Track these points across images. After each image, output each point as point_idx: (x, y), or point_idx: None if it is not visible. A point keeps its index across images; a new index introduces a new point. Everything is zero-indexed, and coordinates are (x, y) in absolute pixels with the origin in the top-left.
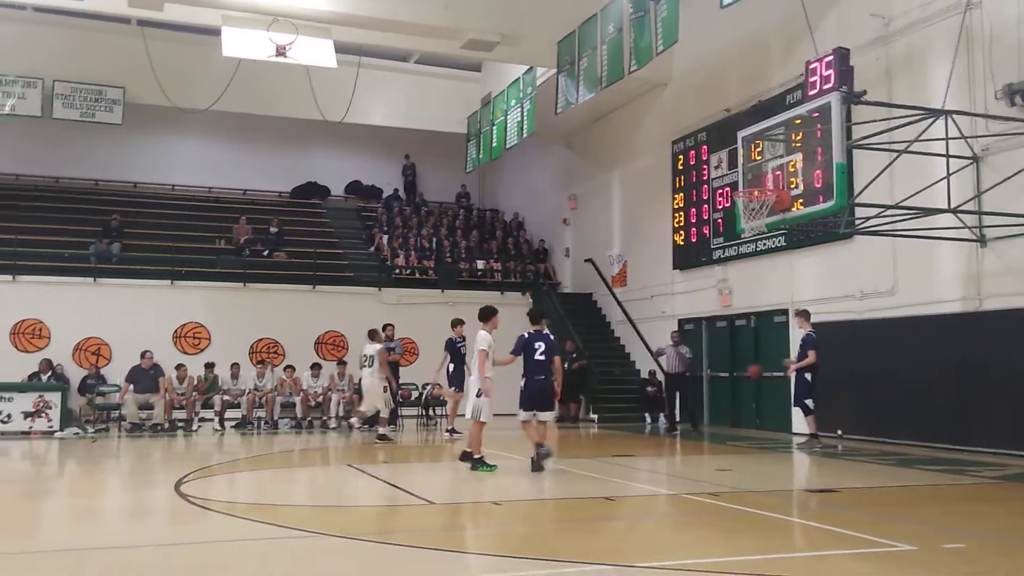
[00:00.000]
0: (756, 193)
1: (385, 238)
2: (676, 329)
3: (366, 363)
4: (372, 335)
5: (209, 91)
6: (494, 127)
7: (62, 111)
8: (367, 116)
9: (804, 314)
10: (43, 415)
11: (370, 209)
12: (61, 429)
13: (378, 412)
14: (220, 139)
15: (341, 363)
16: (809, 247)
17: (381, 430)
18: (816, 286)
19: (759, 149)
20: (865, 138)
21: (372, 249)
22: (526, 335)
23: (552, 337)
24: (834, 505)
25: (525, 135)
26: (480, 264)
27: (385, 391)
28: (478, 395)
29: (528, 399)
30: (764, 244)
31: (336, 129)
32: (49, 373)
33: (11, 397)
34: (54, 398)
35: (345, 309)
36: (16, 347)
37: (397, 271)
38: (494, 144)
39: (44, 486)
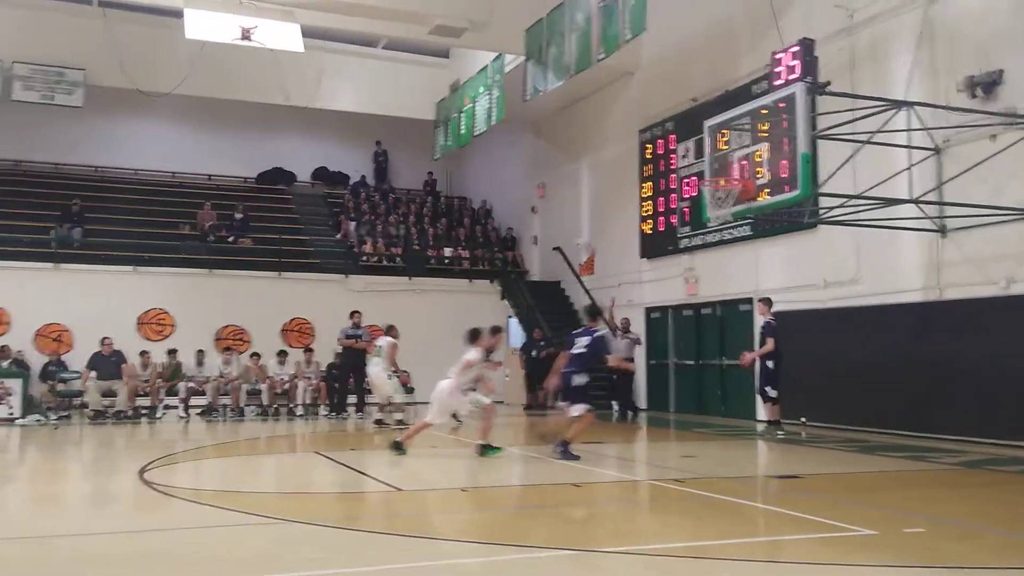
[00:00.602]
0: (722, 182)
1: (352, 225)
2: (626, 316)
3: (376, 354)
4: (388, 330)
5: (172, 74)
6: (462, 114)
7: (21, 93)
8: (334, 101)
9: (766, 302)
10: (3, 402)
11: (337, 195)
12: (22, 416)
13: (389, 400)
14: (184, 123)
15: (308, 350)
16: (774, 236)
17: (378, 415)
18: (781, 275)
19: (726, 139)
20: (829, 128)
21: (339, 236)
22: (575, 331)
23: (603, 335)
24: (797, 491)
25: (493, 122)
26: (448, 251)
27: (390, 378)
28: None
29: (561, 391)
30: (730, 233)
31: (303, 114)
32: (10, 360)
33: None
34: (15, 385)
35: (311, 296)
36: None
37: (364, 258)
38: (462, 131)
39: (5, 473)
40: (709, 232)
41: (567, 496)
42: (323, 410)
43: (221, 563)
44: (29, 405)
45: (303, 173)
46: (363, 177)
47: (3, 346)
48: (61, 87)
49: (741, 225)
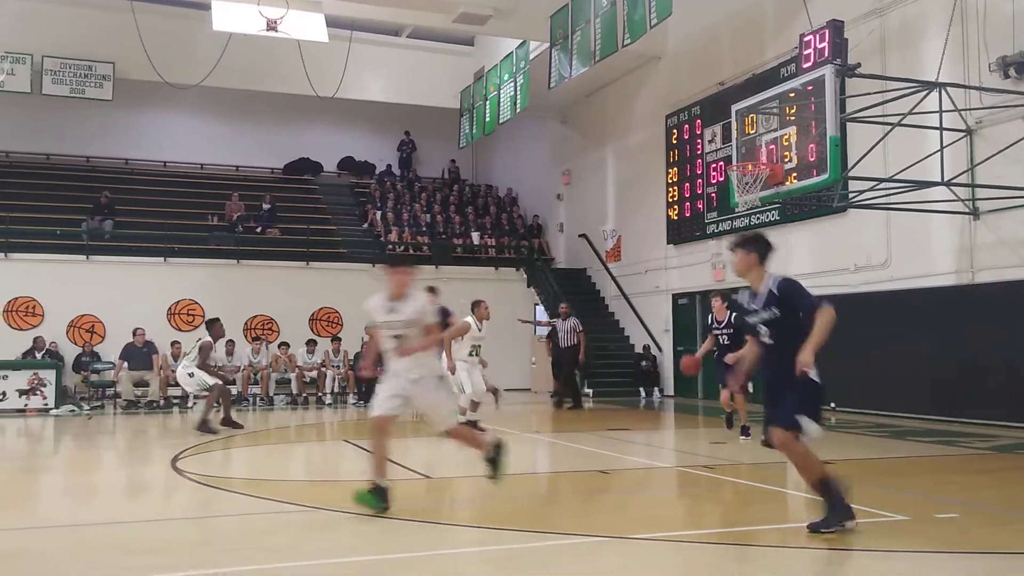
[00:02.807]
0: (750, 167)
1: (378, 214)
2: (565, 304)
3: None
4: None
5: (200, 66)
6: (487, 102)
7: (52, 87)
8: (359, 91)
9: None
10: (38, 393)
11: (363, 185)
12: (56, 406)
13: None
14: (212, 115)
15: (336, 339)
16: (803, 221)
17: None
18: (810, 259)
19: (753, 123)
20: (859, 111)
21: (365, 225)
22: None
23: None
24: None
25: (518, 110)
26: (475, 236)
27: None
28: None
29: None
30: (758, 218)
31: (328, 104)
32: (43, 351)
33: (6, 375)
34: (49, 376)
35: (339, 285)
36: (10, 325)
37: (391, 247)
38: (487, 119)
39: (41, 463)
40: (737, 217)
41: (595, 483)
42: (351, 398)
43: (253, 550)
44: (63, 396)
45: (329, 163)
46: (389, 166)
47: (37, 337)
48: (90, 81)
49: (769, 210)
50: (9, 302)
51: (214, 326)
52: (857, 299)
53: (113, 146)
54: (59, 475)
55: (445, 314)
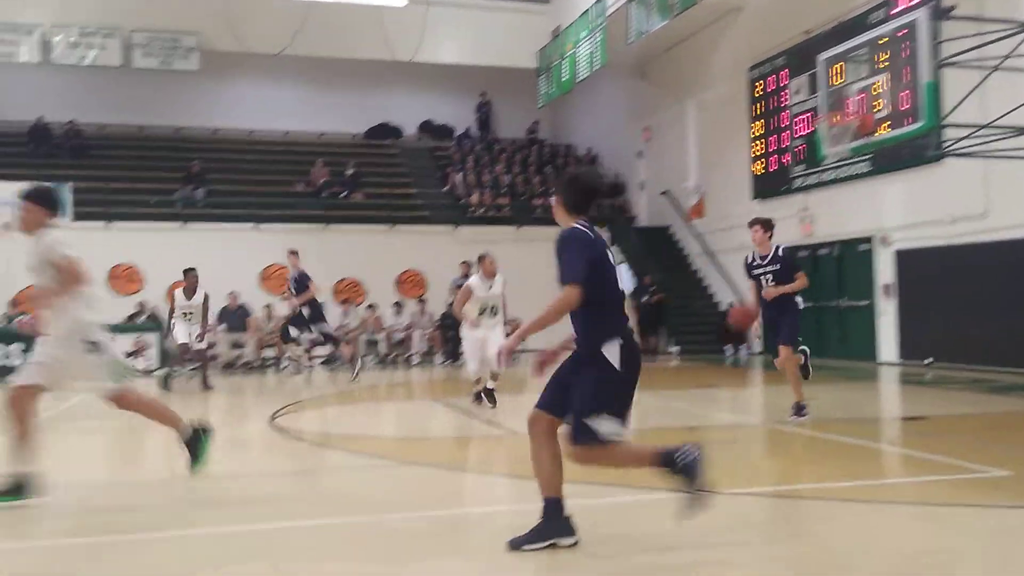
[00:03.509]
0: (838, 118)
1: (459, 177)
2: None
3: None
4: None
5: (281, 35)
6: (564, 60)
7: (141, 60)
8: (437, 54)
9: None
10: (142, 355)
11: (443, 148)
12: (160, 367)
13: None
14: (294, 83)
15: (421, 300)
16: (895, 172)
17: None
18: (903, 212)
19: (841, 72)
20: (954, 56)
21: (446, 188)
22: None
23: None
24: (924, 432)
25: (597, 67)
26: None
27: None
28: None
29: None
30: (847, 171)
31: (407, 68)
32: (146, 315)
33: (112, 338)
34: (151, 338)
35: (422, 248)
36: (113, 290)
37: (472, 209)
38: (565, 77)
39: (147, 421)
40: (825, 170)
41: (683, 440)
42: (438, 358)
43: (349, 503)
44: (165, 357)
45: (410, 127)
46: (468, 129)
47: (141, 301)
48: (177, 53)
49: (859, 161)
50: (112, 268)
51: (187, 276)
52: (954, 251)
53: (201, 116)
54: (165, 432)
55: (303, 280)
